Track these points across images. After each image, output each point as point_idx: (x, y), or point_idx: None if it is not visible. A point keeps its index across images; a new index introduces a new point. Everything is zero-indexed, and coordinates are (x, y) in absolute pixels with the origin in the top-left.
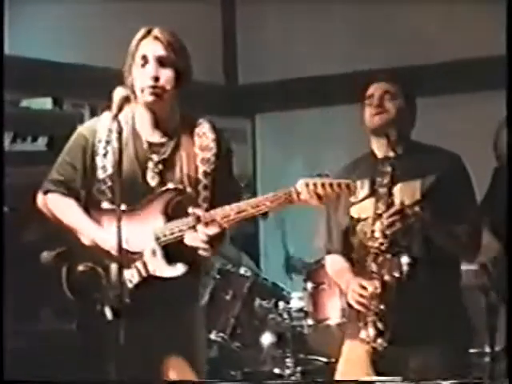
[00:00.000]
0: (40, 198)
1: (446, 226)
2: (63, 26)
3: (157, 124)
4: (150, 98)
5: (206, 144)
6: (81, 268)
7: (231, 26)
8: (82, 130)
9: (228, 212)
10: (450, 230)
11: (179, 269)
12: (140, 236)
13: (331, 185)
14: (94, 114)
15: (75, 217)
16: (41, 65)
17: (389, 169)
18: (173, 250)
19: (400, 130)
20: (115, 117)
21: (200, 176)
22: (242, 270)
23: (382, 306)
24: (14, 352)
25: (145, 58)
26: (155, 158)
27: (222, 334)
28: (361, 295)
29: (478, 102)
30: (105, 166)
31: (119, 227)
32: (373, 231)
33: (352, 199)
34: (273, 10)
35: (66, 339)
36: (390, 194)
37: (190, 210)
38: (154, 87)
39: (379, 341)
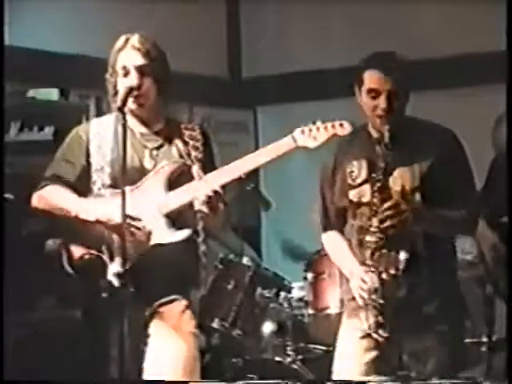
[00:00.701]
0: (35, 197)
1: (443, 212)
2: (71, 18)
3: (144, 124)
4: (134, 107)
5: (194, 134)
6: (86, 256)
7: (235, 23)
8: (77, 129)
9: (229, 169)
10: (448, 214)
11: (183, 233)
12: (143, 208)
13: (325, 127)
14: (99, 105)
15: (73, 200)
16: (47, 56)
17: (382, 165)
18: (176, 218)
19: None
20: (120, 109)
21: (193, 159)
22: (244, 260)
23: (380, 301)
24: (23, 342)
25: (125, 69)
26: (149, 145)
27: (223, 323)
28: (361, 288)
29: (478, 96)
30: (102, 155)
31: (123, 197)
32: (370, 226)
33: (350, 182)
34: (274, 7)
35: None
36: (387, 180)
37: (194, 170)
38: (136, 96)
39: (380, 331)
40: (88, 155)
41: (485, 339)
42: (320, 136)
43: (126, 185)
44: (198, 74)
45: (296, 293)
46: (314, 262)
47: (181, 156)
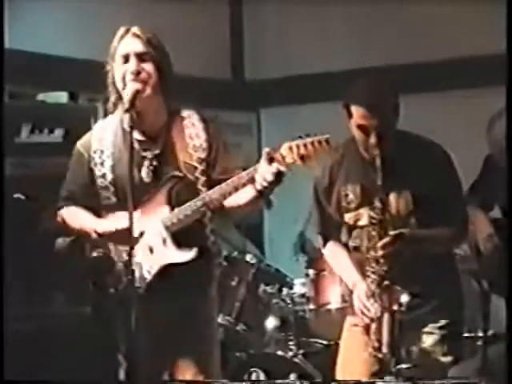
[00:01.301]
0: (58, 217)
1: (436, 234)
2: (74, 20)
3: (144, 123)
4: (134, 89)
5: (195, 132)
6: (94, 254)
7: (238, 27)
8: (78, 146)
9: (225, 189)
10: (440, 234)
11: (190, 254)
12: (149, 227)
13: (312, 143)
14: (107, 108)
15: (89, 220)
16: (57, 60)
17: (379, 205)
18: (182, 237)
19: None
20: (127, 111)
21: (195, 163)
22: (248, 257)
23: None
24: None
25: (126, 57)
26: (149, 155)
27: (228, 318)
28: (363, 313)
29: (476, 98)
30: (104, 174)
31: (131, 217)
32: (367, 258)
33: (344, 204)
34: (277, 11)
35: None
36: (384, 211)
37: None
38: (135, 80)
39: (383, 350)
40: (92, 174)
41: (481, 333)
42: (307, 155)
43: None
44: (202, 77)
45: (298, 289)
46: (316, 260)
47: (185, 162)
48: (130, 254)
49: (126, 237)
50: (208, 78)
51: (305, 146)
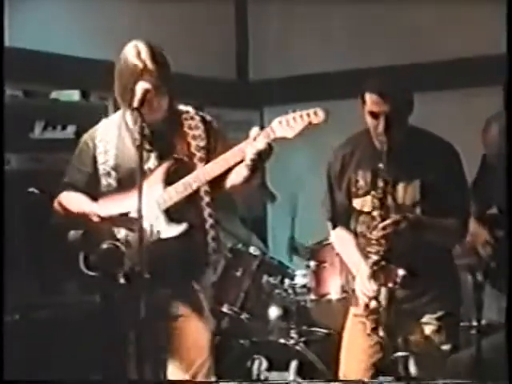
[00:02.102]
0: (56, 202)
1: (439, 224)
2: (82, 21)
3: (148, 119)
4: (143, 88)
5: (194, 124)
6: (104, 245)
7: (243, 29)
8: (85, 137)
9: (216, 163)
10: (442, 225)
11: (180, 227)
12: (145, 206)
13: (301, 116)
14: (116, 105)
15: (86, 203)
16: (69, 59)
17: (381, 184)
18: (175, 213)
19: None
20: (137, 109)
21: (193, 150)
22: (252, 250)
23: (381, 308)
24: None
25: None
26: (150, 146)
27: (232, 307)
28: (364, 294)
29: (473, 97)
30: (107, 160)
31: (140, 195)
32: (370, 239)
33: (354, 190)
34: (279, 14)
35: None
36: (387, 197)
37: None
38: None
39: (380, 333)
40: (95, 162)
41: (475, 323)
42: (296, 126)
43: (132, 186)
44: (209, 77)
45: (299, 280)
46: (317, 252)
47: (181, 149)
48: (140, 238)
49: (128, 220)
50: (215, 78)
51: (294, 118)
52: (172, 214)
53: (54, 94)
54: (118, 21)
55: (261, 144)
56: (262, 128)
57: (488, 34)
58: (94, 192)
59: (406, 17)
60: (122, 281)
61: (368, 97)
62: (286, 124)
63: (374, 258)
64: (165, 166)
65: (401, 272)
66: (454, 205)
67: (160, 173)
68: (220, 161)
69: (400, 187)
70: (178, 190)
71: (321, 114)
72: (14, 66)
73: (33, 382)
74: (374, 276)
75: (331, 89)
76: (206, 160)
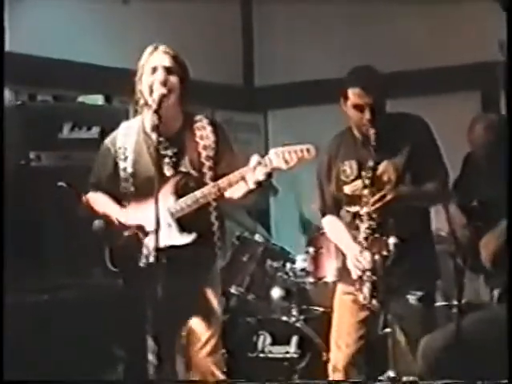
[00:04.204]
0: (84, 198)
1: (422, 191)
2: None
3: (164, 126)
4: (160, 93)
5: (205, 134)
6: (126, 233)
7: (249, 37)
8: (106, 142)
9: (220, 184)
10: (424, 190)
11: (189, 237)
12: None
13: (295, 151)
14: (136, 110)
15: (111, 207)
16: (95, 67)
17: (371, 164)
18: (189, 223)
19: (379, 117)
20: (156, 111)
21: (203, 159)
22: (257, 237)
23: (374, 277)
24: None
25: (154, 69)
26: (169, 152)
27: (239, 288)
28: (356, 266)
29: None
30: (126, 167)
31: (157, 203)
32: (361, 215)
33: (343, 178)
34: (284, 23)
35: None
36: (375, 176)
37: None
38: (162, 89)
39: (373, 302)
40: (115, 167)
41: (455, 302)
42: (290, 160)
43: (148, 193)
44: (218, 83)
45: (299, 264)
46: (315, 239)
47: (191, 161)
48: (156, 239)
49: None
50: (223, 84)
51: (289, 152)
52: (182, 220)
53: (80, 98)
54: (135, 30)
55: (261, 176)
56: (266, 130)
57: (468, 43)
58: (116, 192)
59: (408, 28)
60: (142, 264)
61: (351, 92)
62: (282, 157)
63: (367, 231)
64: (175, 179)
65: (392, 240)
66: (431, 168)
67: (171, 185)
68: (224, 180)
69: (385, 165)
70: (188, 203)
71: (312, 151)
72: (44, 74)
73: (33, 382)
74: (368, 248)
75: (327, 94)
76: (214, 170)
